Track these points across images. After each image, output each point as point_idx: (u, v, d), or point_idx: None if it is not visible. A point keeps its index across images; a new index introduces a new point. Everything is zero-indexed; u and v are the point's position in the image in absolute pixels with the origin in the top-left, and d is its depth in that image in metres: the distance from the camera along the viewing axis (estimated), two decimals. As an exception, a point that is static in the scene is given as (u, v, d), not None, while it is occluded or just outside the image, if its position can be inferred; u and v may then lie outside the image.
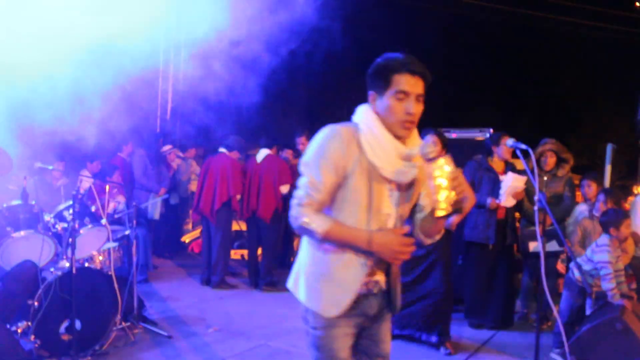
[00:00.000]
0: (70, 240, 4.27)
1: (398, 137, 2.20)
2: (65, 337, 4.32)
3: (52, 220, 4.73)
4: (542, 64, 27.03)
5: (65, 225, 4.62)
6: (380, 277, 2.33)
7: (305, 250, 2.36)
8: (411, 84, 2.15)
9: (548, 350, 4.77)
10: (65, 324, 4.31)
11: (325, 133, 2.22)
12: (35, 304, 4.20)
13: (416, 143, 2.26)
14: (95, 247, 4.93)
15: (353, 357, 2.40)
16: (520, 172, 5.49)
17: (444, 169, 2.11)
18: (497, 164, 5.53)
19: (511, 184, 5.25)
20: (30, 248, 4.47)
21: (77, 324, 4.24)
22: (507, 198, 5.30)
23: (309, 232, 2.20)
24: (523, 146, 3.73)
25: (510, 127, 5.80)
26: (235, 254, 8.97)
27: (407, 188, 2.30)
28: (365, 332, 2.40)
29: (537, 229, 3.47)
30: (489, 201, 5.36)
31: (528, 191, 5.51)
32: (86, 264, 4.75)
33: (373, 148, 2.17)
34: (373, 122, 2.20)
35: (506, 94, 26.93)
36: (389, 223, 2.27)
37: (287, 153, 7.67)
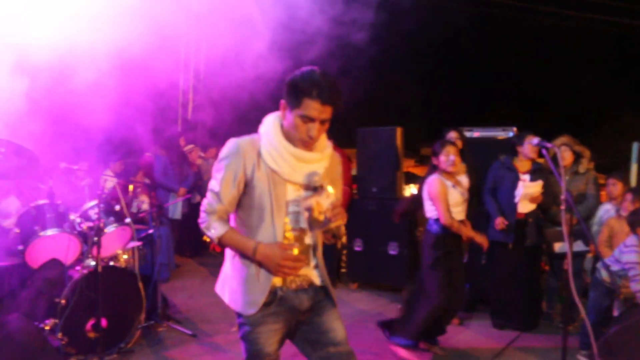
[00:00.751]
0: (95, 239, 4.32)
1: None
2: (92, 335, 4.37)
3: (78, 220, 4.78)
4: (564, 61, 26.74)
5: (91, 224, 4.66)
6: (308, 272, 2.50)
7: (228, 257, 2.57)
8: (319, 111, 2.30)
9: (575, 352, 4.70)
10: (91, 322, 4.36)
11: (227, 146, 2.43)
12: (63, 302, 4.26)
13: (322, 145, 2.49)
14: (119, 246, 4.98)
15: (306, 348, 2.56)
16: (543, 172, 5.42)
17: (327, 199, 2.30)
18: (522, 163, 5.47)
19: (523, 192, 5.21)
20: (57, 247, 4.53)
21: (103, 322, 4.29)
22: (522, 204, 5.27)
23: (209, 237, 2.47)
24: (549, 145, 3.70)
25: (531, 126, 5.73)
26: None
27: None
28: (309, 325, 2.53)
29: (564, 229, 3.43)
30: (497, 221, 5.41)
31: (552, 192, 5.46)
32: (111, 263, 4.79)
33: (272, 155, 2.38)
34: (273, 132, 2.41)
35: (527, 92, 26.72)
36: (300, 221, 2.45)
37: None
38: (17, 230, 4.78)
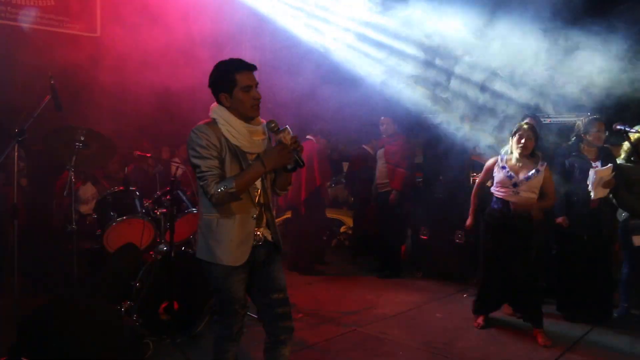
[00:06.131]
0: (168, 225, 4.45)
1: (249, 120, 2.95)
2: (164, 317, 4.52)
3: (151, 206, 4.93)
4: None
5: (164, 210, 4.80)
6: (263, 231, 3.07)
7: (206, 224, 2.98)
8: (251, 78, 2.91)
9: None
10: (164, 305, 4.50)
11: (196, 133, 2.86)
12: (137, 285, 4.42)
13: (259, 120, 3.02)
14: (191, 231, 5.11)
15: (255, 294, 3.12)
16: (612, 157, 5.18)
17: (288, 135, 2.89)
18: (588, 150, 5.23)
19: (596, 178, 4.96)
20: (132, 232, 4.70)
21: (175, 305, 4.42)
22: (596, 191, 5.02)
23: (228, 196, 2.83)
24: (633, 130, 3.52)
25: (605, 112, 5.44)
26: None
27: None
28: (260, 274, 3.08)
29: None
30: (559, 220, 5.32)
31: (621, 175, 5.18)
32: (183, 248, 4.92)
33: (232, 134, 2.91)
34: (227, 116, 2.92)
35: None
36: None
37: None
38: (94, 215, 5.00)
